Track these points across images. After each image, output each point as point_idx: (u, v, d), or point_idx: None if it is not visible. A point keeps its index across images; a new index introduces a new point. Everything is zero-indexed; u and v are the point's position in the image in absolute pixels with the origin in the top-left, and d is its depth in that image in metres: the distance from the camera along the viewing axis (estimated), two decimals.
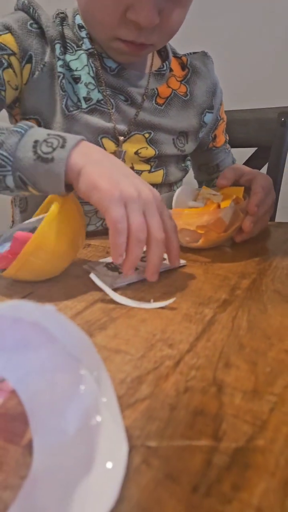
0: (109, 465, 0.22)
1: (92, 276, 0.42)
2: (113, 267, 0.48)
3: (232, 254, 0.52)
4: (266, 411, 0.26)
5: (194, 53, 0.72)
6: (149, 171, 0.65)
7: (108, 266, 0.49)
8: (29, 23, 0.58)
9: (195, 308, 0.39)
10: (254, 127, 0.97)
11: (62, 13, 0.62)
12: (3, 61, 0.56)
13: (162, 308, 0.39)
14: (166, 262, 0.46)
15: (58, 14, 0.62)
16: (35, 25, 0.58)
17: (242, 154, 0.98)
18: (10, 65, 0.56)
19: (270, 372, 0.30)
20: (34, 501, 0.21)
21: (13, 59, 0.56)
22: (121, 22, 0.52)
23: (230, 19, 1.29)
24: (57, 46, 0.58)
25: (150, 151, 0.64)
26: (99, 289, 0.44)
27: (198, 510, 0.20)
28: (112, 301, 0.41)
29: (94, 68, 0.60)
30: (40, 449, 0.23)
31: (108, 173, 0.39)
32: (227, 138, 0.84)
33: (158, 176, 0.66)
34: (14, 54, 0.56)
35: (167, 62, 0.67)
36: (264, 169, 0.95)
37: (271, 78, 1.28)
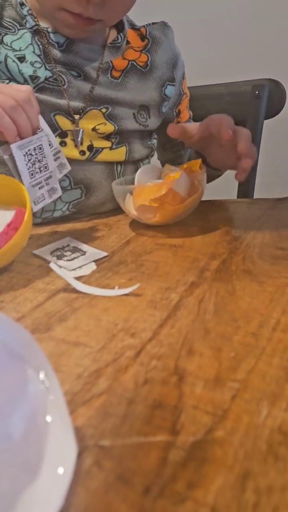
0: (59, 470, 0.21)
1: (52, 265, 0.40)
2: (58, 254, 0.48)
3: (203, 234, 0.50)
4: (227, 399, 0.25)
5: (154, 23, 0.69)
6: (111, 148, 0.62)
7: (54, 252, 0.49)
8: None
9: (161, 294, 0.38)
10: (228, 101, 0.94)
11: None
12: None
13: (126, 295, 0.38)
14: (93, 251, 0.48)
15: None
16: None
17: None
18: None
19: (234, 357, 0.28)
20: None
21: None
22: None
23: None
24: None
25: (108, 127, 0.61)
26: (62, 280, 0.42)
27: None
28: (75, 290, 0.39)
29: (40, 46, 0.58)
30: None
31: None
32: (191, 114, 0.81)
33: (121, 153, 0.64)
34: None
35: (122, 34, 0.64)
36: None
37: (244, 51, 1.24)
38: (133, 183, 0.54)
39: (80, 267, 0.45)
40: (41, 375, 0.23)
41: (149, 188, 0.50)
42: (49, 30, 0.58)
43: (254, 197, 0.90)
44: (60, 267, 0.43)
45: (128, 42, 0.65)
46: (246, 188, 0.87)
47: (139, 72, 0.65)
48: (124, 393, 0.26)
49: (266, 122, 0.90)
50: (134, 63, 0.64)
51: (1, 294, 0.40)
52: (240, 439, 0.22)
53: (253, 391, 0.25)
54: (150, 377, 0.27)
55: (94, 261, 0.46)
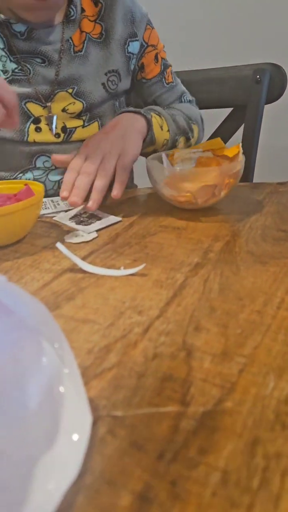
0: (74, 437, 0.22)
1: (59, 245, 0.40)
2: (76, 220, 0.52)
3: (206, 217, 0.51)
4: (235, 373, 0.26)
5: None
6: (83, 126, 0.64)
7: (73, 218, 0.52)
8: None
9: (166, 274, 0.38)
10: (230, 85, 0.93)
11: None
12: None
13: (132, 275, 0.38)
14: (108, 217, 0.52)
15: None
16: None
17: (218, 115, 0.95)
18: None
19: (240, 334, 0.29)
20: None
21: None
22: None
23: None
24: None
25: (77, 105, 0.63)
26: (67, 260, 0.42)
27: (164, 477, 0.19)
28: (81, 271, 0.40)
29: (3, 39, 0.58)
30: (2, 424, 0.22)
31: None
32: (169, 71, 0.75)
33: (94, 129, 0.65)
34: None
35: (72, 5, 0.62)
36: (240, 130, 0.92)
37: (245, 35, 1.23)
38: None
39: (94, 231, 0.49)
40: (56, 347, 0.23)
41: (206, 173, 0.50)
42: (10, 21, 0.58)
43: (254, 181, 0.90)
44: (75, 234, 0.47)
45: (83, 10, 0.64)
46: (246, 173, 0.87)
47: (96, 43, 0.64)
48: (134, 367, 0.27)
49: (266, 106, 0.90)
50: (90, 36, 0.64)
51: (7, 274, 0.40)
52: (249, 409, 0.23)
53: (259, 365, 0.26)
54: (159, 352, 0.28)
55: (109, 225, 0.50)
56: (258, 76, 0.90)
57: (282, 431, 0.21)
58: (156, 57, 0.71)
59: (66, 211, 0.55)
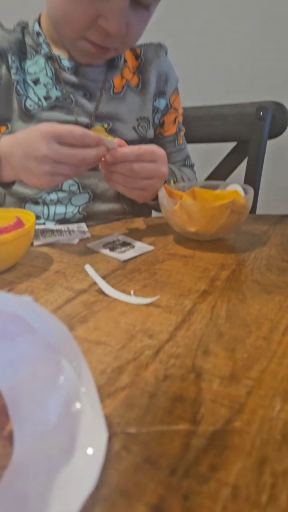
0: (89, 451, 0.23)
1: (87, 267, 0.43)
2: (111, 247, 0.54)
3: (212, 247, 0.53)
4: (243, 394, 0.27)
5: (150, 44, 0.75)
6: None
7: (107, 245, 0.55)
8: None
9: (175, 300, 0.40)
10: (233, 121, 0.98)
11: (23, 22, 0.67)
12: None
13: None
14: (141, 245, 0.54)
15: (19, 23, 0.67)
16: None
17: (222, 148, 0.99)
18: None
19: (247, 358, 0.30)
20: (15, 490, 0.21)
21: None
22: (92, 26, 0.56)
23: (209, 18, 1.29)
24: (9, 56, 0.63)
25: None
26: (80, 284, 0.44)
27: (177, 491, 0.20)
28: (93, 295, 0.41)
29: (52, 69, 0.65)
30: (21, 439, 0.24)
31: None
32: (181, 134, 0.83)
33: None
34: None
35: (119, 55, 0.70)
36: (244, 164, 0.96)
37: (249, 73, 1.29)
38: None
39: (128, 259, 0.51)
40: (74, 366, 0.25)
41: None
42: (61, 56, 0.65)
43: (257, 213, 0.93)
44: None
45: (125, 61, 0.72)
46: None
47: (133, 91, 0.72)
48: (145, 387, 0.28)
49: (269, 142, 0.94)
50: (129, 83, 0.71)
51: None
52: (256, 429, 0.24)
53: (266, 388, 0.27)
54: (169, 373, 0.29)
55: (142, 254, 0.52)
56: (261, 113, 0.94)
57: None
58: (175, 119, 0.80)
59: (81, 239, 0.57)
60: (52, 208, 0.67)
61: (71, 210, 0.68)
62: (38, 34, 0.65)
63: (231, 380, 0.28)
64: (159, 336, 0.34)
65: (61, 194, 0.67)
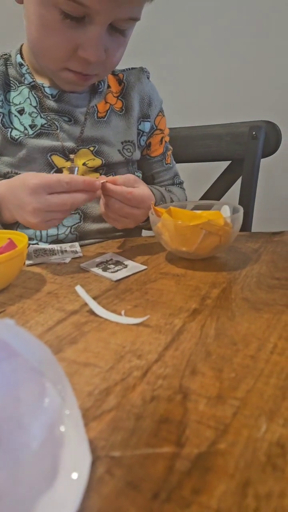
0: (74, 475, 0.23)
1: (78, 288, 0.43)
2: (104, 267, 0.55)
3: (204, 265, 0.53)
4: (229, 415, 0.27)
5: (132, 68, 0.78)
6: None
7: (99, 265, 0.55)
8: None
9: (165, 319, 0.40)
10: (227, 141, 0.99)
11: (6, 54, 0.69)
12: None
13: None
14: (134, 265, 0.54)
15: (1, 56, 0.69)
16: None
17: (217, 167, 1.01)
18: None
19: (234, 378, 0.30)
20: None
21: None
22: (72, 56, 0.58)
23: (203, 40, 1.33)
24: None
25: (97, 161, 0.70)
26: (72, 305, 0.44)
27: None
28: (83, 316, 0.42)
29: (36, 98, 0.67)
30: (3, 465, 0.23)
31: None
32: (169, 154, 0.86)
33: None
34: None
35: (102, 81, 0.73)
36: (238, 182, 0.97)
37: (242, 94, 1.32)
38: None
39: (120, 279, 0.51)
40: (58, 389, 0.25)
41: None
42: (44, 85, 0.67)
43: (252, 231, 0.94)
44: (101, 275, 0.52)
45: (108, 86, 0.74)
46: (243, 223, 0.91)
47: (117, 115, 0.74)
48: (132, 409, 0.28)
49: (263, 160, 0.95)
50: (113, 107, 0.73)
51: (13, 318, 0.42)
52: (241, 451, 0.24)
53: (252, 408, 0.27)
54: (156, 394, 0.29)
55: (135, 273, 0.52)
56: (254, 133, 0.96)
57: (273, 472, 0.22)
58: (161, 140, 0.82)
59: (73, 258, 0.58)
60: (44, 231, 0.68)
61: (63, 231, 0.69)
62: (20, 65, 0.67)
63: (217, 401, 0.28)
64: (148, 356, 0.34)
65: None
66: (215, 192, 1.01)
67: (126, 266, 0.54)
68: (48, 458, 0.24)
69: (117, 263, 0.55)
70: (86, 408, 0.28)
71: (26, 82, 0.67)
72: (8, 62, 0.68)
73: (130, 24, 0.58)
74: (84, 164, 0.69)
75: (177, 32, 1.31)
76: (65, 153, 0.68)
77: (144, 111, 0.77)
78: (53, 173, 0.67)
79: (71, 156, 0.68)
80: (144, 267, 0.54)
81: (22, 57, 0.68)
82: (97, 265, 0.54)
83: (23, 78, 0.67)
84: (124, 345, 0.36)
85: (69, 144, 0.68)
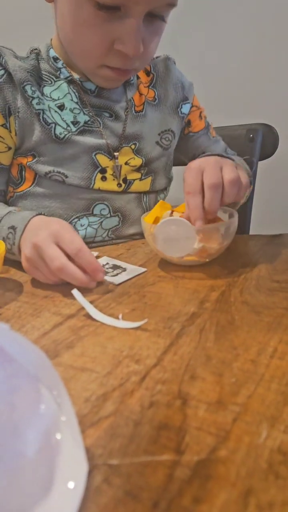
0: (70, 485, 0.22)
1: (74, 292, 0.43)
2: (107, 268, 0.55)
3: (203, 268, 0.53)
4: (229, 421, 0.26)
5: (157, 57, 0.76)
6: (140, 179, 0.70)
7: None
8: None
9: (164, 323, 0.39)
10: (225, 143, 0.99)
11: (36, 49, 0.66)
12: None
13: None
14: (132, 268, 0.54)
15: (32, 50, 0.66)
16: (2, 71, 0.61)
17: None
18: None
19: (235, 383, 0.30)
20: None
21: None
22: (109, 52, 0.56)
23: (200, 44, 1.33)
24: (28, 87, 0.61)
25: (137, 161, 0.69)
26: (68, 309, 0.44)
27: None
28: (80, 320, 0.41)
29: (76, 93, 0.65)
30: None
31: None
32: (210, 125, 0.83)
33: (147, 183, 0.71)
34: None
35: None
36: None
37: (239, 97, 1.32)
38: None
39: (122, 282, 0.50)
40: (54, 394, 0.24)
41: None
42: (82, 80, 0.65)
43: (250, 233, 0.93)
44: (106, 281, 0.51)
45: (138, 77, 0.73)
46: (242, 225, 0.90)
47: (152, 105, 0.72)
48: (130, 415, 0.27)
49: (260, 163, 0.95)
50: (147, 98, 0.72)
51: (9, 322, 0.41)
52: (242, 458, 0.23)
53: (253, 414, 0.27)
54: (155, 400, 0.29)
55: (134, 276, 0.52)
56: (251, 135, 0.95)
57: (275, 480, 0.22)
58: (200, 115, 0.80)
59: None
60: (82, 232, 0.67)
61: (101, 233, 0.68)
62: (55, 59, 0.65)
63: (218, 406, 0.27)
64: (146, 361, 0.33)
65: (92, 219, 0.67)
66: None
67: (124, 269, 0.54)
68: (44, 467, 0.23)
69: (115, 267, 0.55)
70: (83, 415, 0.28)
71: (62, 76, 0.65)
72: (39, 57, 0.65)
73: (168, 10, 0.56)
74: (126, 163, 0.68)
75: (175, 34, 1.31)
76: (110, 152, 0.66)
77: (181, 96, 0.75)
78: (97, 172, 0.65)
79: (115, 154, 0.67)
80: (144, 269, 0.53)
81: (55, 51, 0.65)
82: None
83: (58, 72, 0.65)
84: (122, 350, 0.35)
85: (113, 141, 0.67)
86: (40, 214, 0.55)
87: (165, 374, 0.31)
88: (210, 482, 0.22)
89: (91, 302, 0.44)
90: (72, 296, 0.46)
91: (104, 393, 0.30)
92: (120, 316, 0.41)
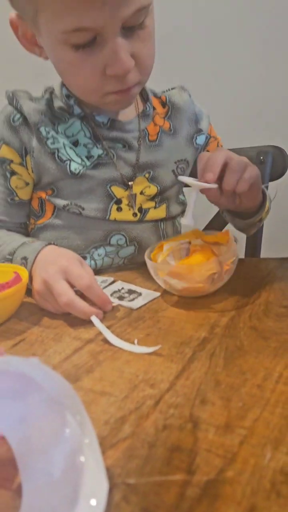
0: (93, 502, 0.25)
1: (93, 318, 0.46)
2: (119, 296, 0.57)
3: (214, 292, 0.55)
4: (236, 444, 0.29)
5: (172, 89, 0.79)
6: (155, 207, 0.72)
7: (114, 295, 0.57)
8: (11, 117, 0.66)
9: (177, 348, 0.42)
10: None
11: (50, 87, 0.70)
12: (7, 173, 0.68)
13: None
14: (147, 292, 0.56)
15: (46, 89, 0.70)
16: (18, 116, 0.66)
17: None
18: (13, 173, 0.68)
19: (242, 407, 0.32)
20: None
21: (14, 166, 0.67)
22: (105, 80, 0.58)
23: (209, 66, 1.38)
24: (42, 129, 0.66)
25: (152, 189, 0.71)
26: (87, 333, 0.47)
27: None
28: (99, 345, 0.44)
29: (89, 128, 0.68)
30: (29, 491, 0.26)
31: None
32: None
33: (162, 210, 0.73)
34: (12, 161, 0.67)
35: (148, 103, 0.74)
36: None
37: (250, 120, 1.35)
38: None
39: (140, 307, 0.53)
40: (78, 419, 0.27)
41: (198, 269, 0.53)
42: (94, 114, 0.68)
43: (261, 253, 0.95)
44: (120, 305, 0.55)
45: (154, 108, 0.75)
46: (253, 248, 0.93)
47: (168, 135, 0.74)
48: (146, 438, 0.30)
49: (271, 184, 0.98)
50: (162, 128, 0.74)
51: (33, 347, 0.45)
52: (247, 478, 0.26)
53: (258, 437, 0.29)
54: (168, 423, 0.31)
55: (150, 301, 0.54)
56: (261, 157, 0.98)
57: (277, 499, 0.24)
58: (217, 145, 0.83)
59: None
60: (99, 262, 0.70)
61: (117, 261, 0.71)
62: (67, 96, 0.68)
63: (226, 430, 0.30)
64: (160, 385, 0.36)
65: (109, 248, 0.70)
66: (222, 217, 1.03)
67: (140, 293, 0.57)
68: (69, 485, 0.26)
69: (130, 291, 0.58)
70: (103, 437, 0.31)
71: (75, 113, 0.68)
72: (53, 95, 0.69)
73: (142, 15, 0.54)
74: (141, 192, 0.70)
75: (184, 54, 1.36)
76: (124, 182, 0.69)
77: (196, 128, 0.78)
78: (113, 203, 0.68)
79: (130, 183, 0.69)
80: (158, 294, 0.56)
81: (67, 89, 0.68)
82: (112, 295, 0.57)
83: (71, 109, 0.68)
84: (138, 374, 0.38)
85: (127, 171, 0.69)
86: (51, 244, 0.59)
87: (177, 398, 0.34)
88: (218, 501, 0.24)
89: (109, 327, 0.47)
90: (90, 321, 0.49)
91: (122, 416, 0.33)
92: (135, 341, 0.44)
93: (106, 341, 0.44)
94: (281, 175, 0.97)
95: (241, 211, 0.69)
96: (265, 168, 0.97)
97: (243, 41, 1.32)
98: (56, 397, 0.27)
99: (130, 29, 0.55)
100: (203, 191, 0.56)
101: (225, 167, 0.56)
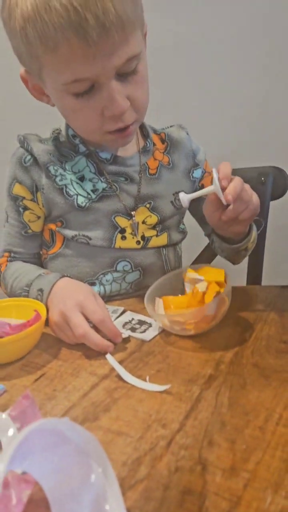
0: None
1: (108, 356, 0.50)
2: (131, 327, 0.61)
3: (217, 324, 0.59)
4: (241, 488, 0.32)
5: (171, 126, 0.85)
6: (156, 235, 0.77)
7: (125, 326, 0.61)
8: (23, 158, 0.72)
9: (185, 386, 0.46)
10: None
11: (57, 129, 0.76)
12: (20, 209, 0.74)
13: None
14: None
15: (54, 131, 0.76)
16: (28, 157, 0.72)
17: None
18: (25, 208, 0.74)
19: (245, 450, 0.36)
20: None
21: (26, 202, 0.74)
22: (103, 121, 0.64)
23: (209, 87, 1.41)
24: (51, 168, 0.71)
25: (153, 219, 0.77)
26: (102, 368, 0.51)
27: None
28: (113, 381, 0.48)
29: (94, 164, 0.74)
30: None
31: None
32: None
33: (164, 238, 0.78)
34: (24, 198, 0.74)
35: (149, 140, 0.80)
36: None
37: (250, 141, 1.38)
38: (160, 290, 0.64)
39: (152, 338, 0.58)
40: (102, 469, 0.31)
41: (178, 302, 0.59)
42: (97, 150, 0.74)
43: (263, 273, 0.99)
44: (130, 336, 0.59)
45: (154, 144, 0.81)
46: (255, 273, 0.97)
47: (167, 169, 0.80)
48: (160, 480, 0.34)
49: (272, 203, 1.01)
50: (161, 163, 0.80)
51: (53, 382, 0.49)
52: None
53: (260, 480, 0.33)
54: (180, 465, 0.35)
55: (160, 332, 0.59)
56: (263, 178, 1.02)
57: None
58: (211, 181, 0.86)
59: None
60: (108, 287, 0.75)
61: (124, 287, 0.76)
62: (73, 136, 0.74)
63: (231, 473, 0.34)
64: (171, 426, 0.40)
65: (116, 274, 0.75)
66: (211, 251, 1.07)
67: (150, 324, 0.61)
68: None
69: (141, 322, 0.61)
70: (122, 478, 0.34)
71: (81, 151, 0.74)
72: (60, 136, 0.75)
73: (133, 62, 0.60)
74: (143, 222, 0.76)
75: (184, 75, 1.39)
76: (127, 212, 0.74)
77: (192, 163, 0.83)
78: (117, 233, 0.73)
79: (133, 213, 0.75)
80: None
81: (72, 129, 0.74)
82: (124, 326, 0.61)
83: (77, 148, 0.74)
84: (151, 414, 0.42)
85: (129, 202, 0.75)
86: (65, 276, 0.64)
87: (187, 439, 0.38)
88: None
89: (121, 362, 0.51)
90: (103, 354, 0.53)
91: (138, 457, 0.37)
92: (147, 378, 0.48)
93: (120, 377, 0.48)
94: (281, 195, 1.01)
95: (229, 236, 0.74)
96: (266, 188, 1.01)
97: (243, 62, 1.35)
98: (83, 448, 0.31)
99: (124, 75, 0.61)
100: (212, 194, 0.62)
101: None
